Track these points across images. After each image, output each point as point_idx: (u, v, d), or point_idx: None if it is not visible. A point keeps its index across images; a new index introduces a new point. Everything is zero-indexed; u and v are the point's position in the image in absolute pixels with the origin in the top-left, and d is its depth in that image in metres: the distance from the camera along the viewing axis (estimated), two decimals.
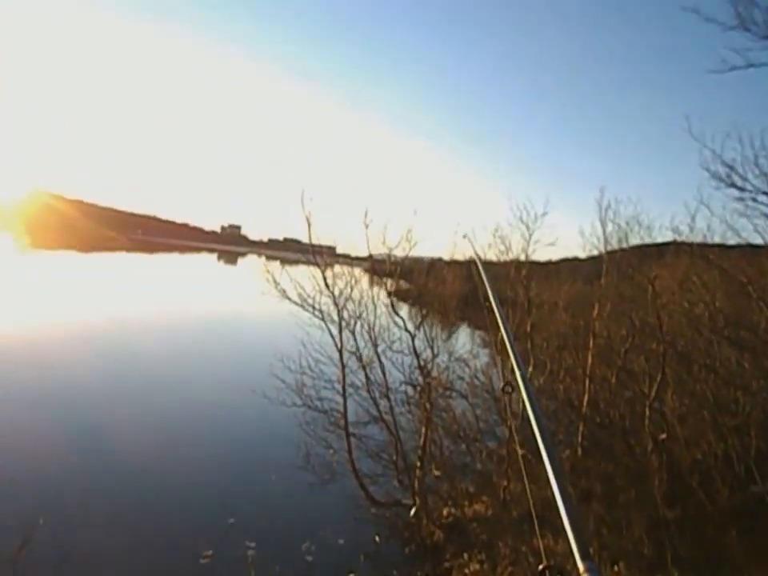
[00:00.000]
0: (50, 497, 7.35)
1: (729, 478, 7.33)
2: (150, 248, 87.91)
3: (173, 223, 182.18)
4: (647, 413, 8.36)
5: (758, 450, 7.38)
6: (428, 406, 7.30)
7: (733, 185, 8.94)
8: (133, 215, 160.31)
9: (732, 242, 10.65)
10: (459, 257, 11.60)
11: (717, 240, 10.77)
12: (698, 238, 10.30)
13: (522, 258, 9.91)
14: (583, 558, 1.05)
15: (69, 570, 5.69)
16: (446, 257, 11.80)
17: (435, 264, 13.91)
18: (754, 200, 8.85)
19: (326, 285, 7.59)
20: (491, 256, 10.69)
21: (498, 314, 2.57)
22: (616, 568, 5.51)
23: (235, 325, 26.50)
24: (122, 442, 9.29)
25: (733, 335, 9.21)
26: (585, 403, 8.91)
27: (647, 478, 7.33)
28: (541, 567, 1.16)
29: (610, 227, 9.76)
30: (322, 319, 7.58)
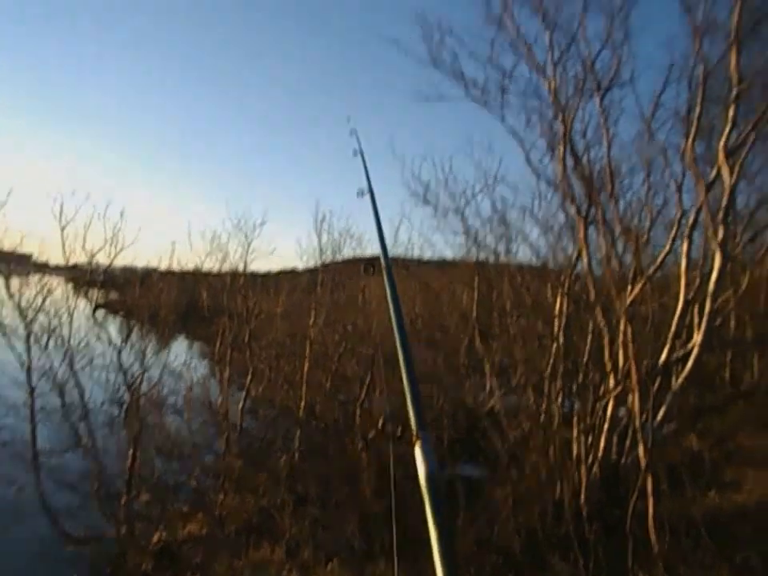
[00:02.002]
0: None
1: None
2: None
3: None
4: (358, 412, 8.90)
5: (450, 438, 8.36)
6: (136, 425, 6.69)
7: (428, 202, 10.11)
8: None
9: (429, 254, 12.19)
10: (176, 267, 11.07)
11: (417, 253, 12.21)
12: (400, 250, 11.51)
13: (241, 267, 9.92)
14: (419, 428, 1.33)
15: None
16: (163, 266, 11.18)
17: (150, 274, 13.10)
18: (445, 217, 10.15)
19: (9, 294, 6.47)
20: (209, 265, 10.50)
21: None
22: (330, 566, 5.68)
23: None
24: None
25: (429, 337, 10.45)
26: (302, 408, 9.12)
27: (359, 476, 7.74)
28: None
29: (325, 238, 10.26)
30: (4, 334, 6.45)
